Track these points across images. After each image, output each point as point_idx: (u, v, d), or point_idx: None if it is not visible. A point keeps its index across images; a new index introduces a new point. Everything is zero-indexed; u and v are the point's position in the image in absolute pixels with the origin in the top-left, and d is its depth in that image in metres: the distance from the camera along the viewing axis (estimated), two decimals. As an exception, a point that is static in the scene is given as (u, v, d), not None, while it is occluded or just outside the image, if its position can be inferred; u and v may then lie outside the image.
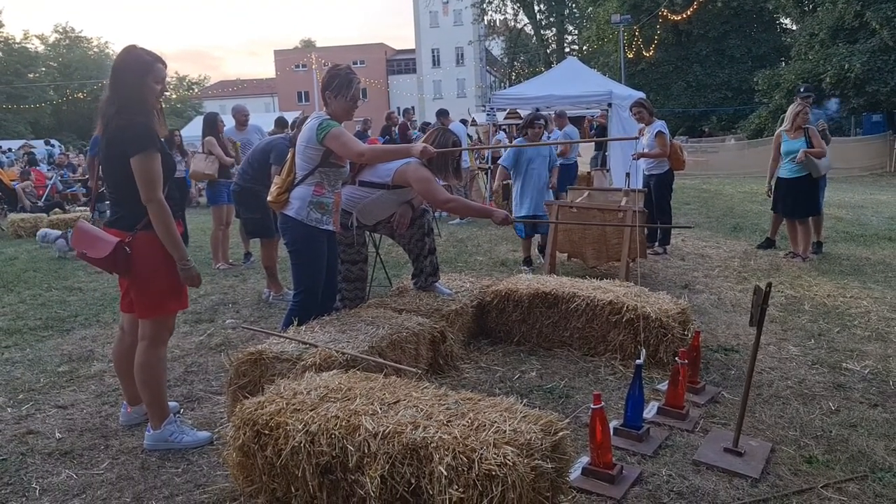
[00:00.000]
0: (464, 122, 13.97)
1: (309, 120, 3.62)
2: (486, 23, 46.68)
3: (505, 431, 2.05)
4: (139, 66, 2.75)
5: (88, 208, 11.37)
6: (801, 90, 7.64)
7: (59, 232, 8.49)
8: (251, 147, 6.64)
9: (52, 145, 22.93)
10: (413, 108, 15.63)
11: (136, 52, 2.78)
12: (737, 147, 21.15)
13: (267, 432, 2.30)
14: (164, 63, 2.82)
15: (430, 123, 10.47)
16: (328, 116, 3.52)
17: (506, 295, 4.24)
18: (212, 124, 7.18)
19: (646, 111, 7.20)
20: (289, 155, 3.73)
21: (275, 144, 5.48)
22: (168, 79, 2.95)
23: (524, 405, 2.28)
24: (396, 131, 11.58)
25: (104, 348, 4.41)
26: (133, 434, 3.09)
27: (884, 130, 19.05)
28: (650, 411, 3.12)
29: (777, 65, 26.43)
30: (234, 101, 13.47)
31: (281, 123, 9.94)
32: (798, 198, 6.49)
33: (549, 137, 11.21)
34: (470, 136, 14.10)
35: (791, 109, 6.62)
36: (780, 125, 6.70)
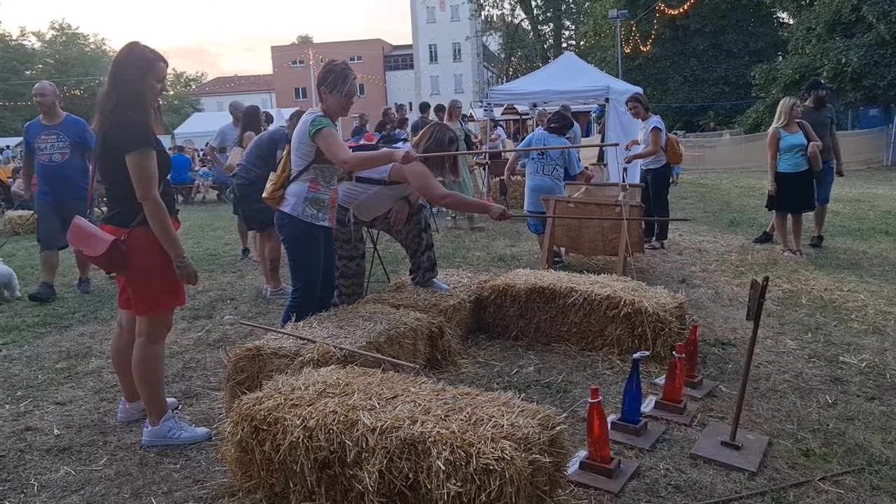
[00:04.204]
0: (462, 117, 13.92)
1: (304, 115, 3.61)
2: (483, 18, 46.63)
3: (503, 426, 2.06)
4: (141, 64, 2.75)
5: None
6: (821, 82, 7.46)
7: None
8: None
9: None
10: (410, 104, 15.62)
11: (139, 48, 2.78)
12: (733, 142, 21.17)
13: (265, 428, 2.31)
14: (165, 62, 2.82)
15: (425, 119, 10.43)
16: (322, 113, 3.50)
17: (503, 290, 4.25)
18: (253, 118, 6.93)
19: (641, 106, 7.19)
20: (283, 151, 3.72)
21: (282, 133, 5.60)
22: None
23: (522, 400, 2.29)
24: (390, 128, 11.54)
25: (102, 345, 4.40)
26: (131, 430, 3.09)
27: (881, 124, 19.09)
28: (648, 405, 3.13)
29: (774, 59, 26.53)
30: (231, 98, 13.47)
31: (266, 119, 9.89)
32: (800, 193, 6.46)
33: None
34: (468, 132, 14.06)
35: (785, 103, 6.50)
36: (778, 121, 6.56)
